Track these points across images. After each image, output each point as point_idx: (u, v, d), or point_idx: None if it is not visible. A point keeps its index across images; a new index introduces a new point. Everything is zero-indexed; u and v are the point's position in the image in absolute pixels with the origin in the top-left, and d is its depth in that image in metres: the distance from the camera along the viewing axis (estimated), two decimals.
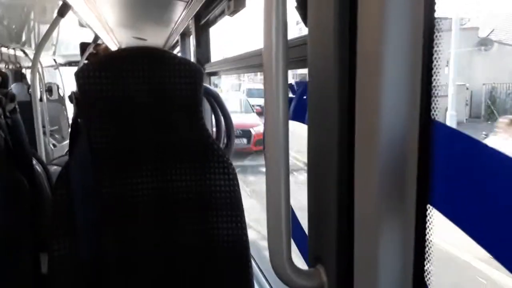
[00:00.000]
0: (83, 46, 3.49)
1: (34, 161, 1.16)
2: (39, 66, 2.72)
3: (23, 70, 3.87)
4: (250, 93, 14.12)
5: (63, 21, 2.24)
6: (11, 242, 1.05)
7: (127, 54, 0.97)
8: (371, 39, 0.45)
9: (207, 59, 1.85)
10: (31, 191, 1.08)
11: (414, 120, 0.44)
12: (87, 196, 0.91)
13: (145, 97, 0.94)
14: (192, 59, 1.94)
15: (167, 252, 0.98)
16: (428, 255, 0.47)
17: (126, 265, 0.97)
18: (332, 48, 0.51)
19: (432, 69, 0.43)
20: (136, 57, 0.94)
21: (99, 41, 3.51)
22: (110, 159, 0.95)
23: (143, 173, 0.96)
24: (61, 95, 4.38)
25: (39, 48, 2.46)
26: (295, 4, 0.59)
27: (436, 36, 0.43)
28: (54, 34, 2.40)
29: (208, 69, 1.80)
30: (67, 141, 4.05)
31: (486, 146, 0.40)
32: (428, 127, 0.44)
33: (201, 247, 0.99)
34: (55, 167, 1.56)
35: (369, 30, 0.45)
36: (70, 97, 0.93)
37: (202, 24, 1.82)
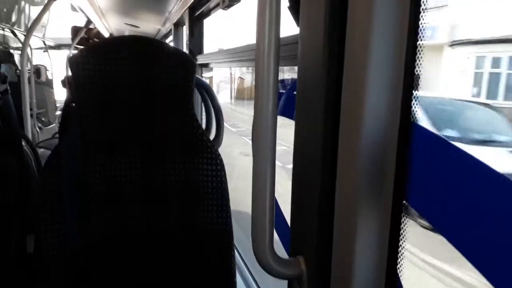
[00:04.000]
0: (75, 30, 3.45)
1: (23, 142, 1.17)
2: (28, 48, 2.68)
3: (11, 51, 3.81)
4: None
5: (55, 3, 2.21)
6: None
7: (120, 42, 0.98)
8: (359, 43, 0.47)
9: (200, 50, 1.86)
10: (20, 172, 1.09)
11: (395, 121, 0.47)
12: (76, 180, 0.92)
13: (137, 86, 0.95)
14: (185, 49, 1.94)
15: (154, 238, 1.00)
16: (402, 248, 0.50)
17: (113, 249, 0.99)
18: (322, 48, 0.53)
19: (414, 74, 0.46)
20: (129, 46, 0.94)
21: (91, 26, 3.47)
22: (100, 145, 0.96)
23: (132, 160, 0.97)
24: (50, 77, 4.33)
25: (30, 30, 2.43)
26: (288, 4, 0.61)
27: (419, 44, 0.45)
28: (45, 16, 2.37)
29: (200, 60, 1.81)
30: (53, 124, 4.01)
31: (459, 149, 0.43)
32: (408, 129, 0.46)
33: (187, 234, 1.01)
34: (42, 149, 1.55)
35: (357, 33, 0.48)
36: (63, 82, 0.94)
37: (196, 15, 1.82)
